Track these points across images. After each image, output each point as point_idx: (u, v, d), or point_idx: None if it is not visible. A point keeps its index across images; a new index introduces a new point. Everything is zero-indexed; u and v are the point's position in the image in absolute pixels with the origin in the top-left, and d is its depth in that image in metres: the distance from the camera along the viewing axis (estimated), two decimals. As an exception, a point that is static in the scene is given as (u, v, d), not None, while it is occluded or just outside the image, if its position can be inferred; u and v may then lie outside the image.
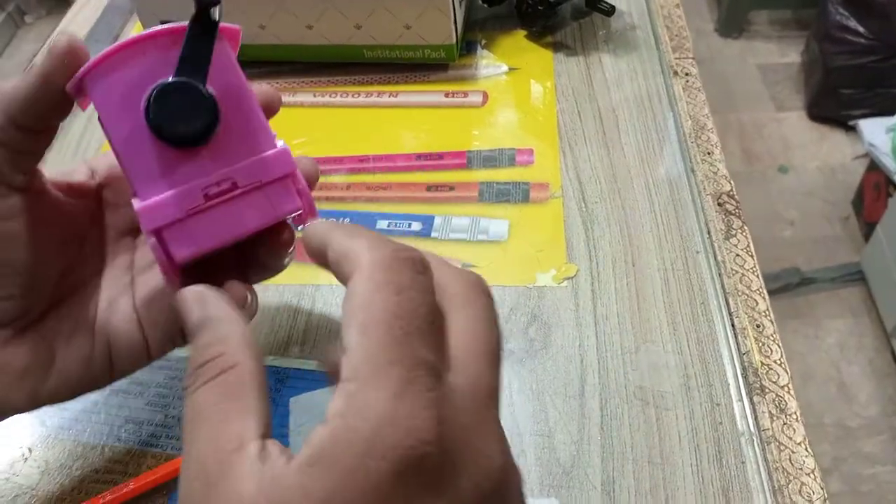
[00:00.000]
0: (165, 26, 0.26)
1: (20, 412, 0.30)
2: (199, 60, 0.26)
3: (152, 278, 0.32)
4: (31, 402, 0.30)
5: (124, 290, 0.32)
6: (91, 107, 0.27)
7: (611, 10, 0.58)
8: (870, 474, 1.34)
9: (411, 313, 0.19)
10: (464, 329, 0.21)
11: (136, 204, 0.27)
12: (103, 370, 0.31)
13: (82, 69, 0.26)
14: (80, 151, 0.55)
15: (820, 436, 1.38)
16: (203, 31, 0.26)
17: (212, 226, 0.27)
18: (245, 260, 0.31)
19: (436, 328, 0.20)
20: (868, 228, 1.58)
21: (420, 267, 0.21)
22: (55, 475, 0.37)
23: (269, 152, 0.28)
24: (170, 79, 0.26)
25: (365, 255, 0.21)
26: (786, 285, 1.59)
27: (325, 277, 0.44)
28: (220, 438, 0.20)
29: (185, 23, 0.26)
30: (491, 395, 0.21)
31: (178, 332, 0.31)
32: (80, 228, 0.32)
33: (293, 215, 0.29)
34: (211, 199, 0.27)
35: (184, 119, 0.26)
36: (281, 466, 0.19)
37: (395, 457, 0.18)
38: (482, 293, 0.22)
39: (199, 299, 0.24)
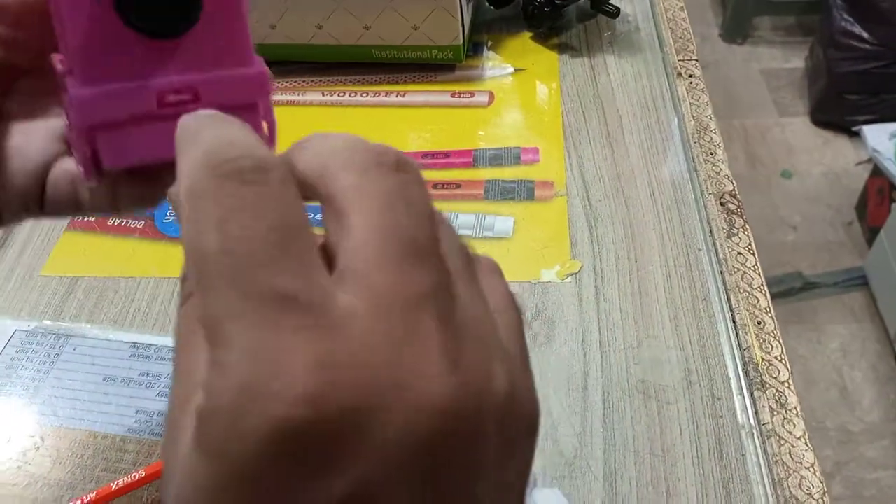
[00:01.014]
0: None
1: None
2: None
3: (20, 132, 0.26)
4: None
5: None
6: None
7: (616, 12, 0.59)
8: (872, 479, 1.34)
9: (245, 242, 0.14)
10: (359, 229, 0.15)
11: (73, 87, 0.22)
12: None
13: None
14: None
15: (822, 440, 1.39)
16: None
17: (154, 138, 0.22)
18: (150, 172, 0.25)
19: (292, 248, 0.14)
20: (871, 233, 1.59)
21: (252, 175, 0.15)
22: (67, 464, 0.37)
23: (246, 70, 0.23)
24: None
25: (183, 183, 0.16)
26: (789, 290, 1.60)
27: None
28: (182, 374, 0.16)
29: None
30: (417, 299, 0.15)
31: (35, 202, 0.26)
32: None
33: None
34: (164, 108, 0.22)
35: (162, 5, 0.21)
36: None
37: (258, 436, 0.13)
38: (379, 175, 0.16)
39: None
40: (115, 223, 0.49)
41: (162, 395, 0.40)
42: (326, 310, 0.14)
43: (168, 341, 0.42)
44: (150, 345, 0.42)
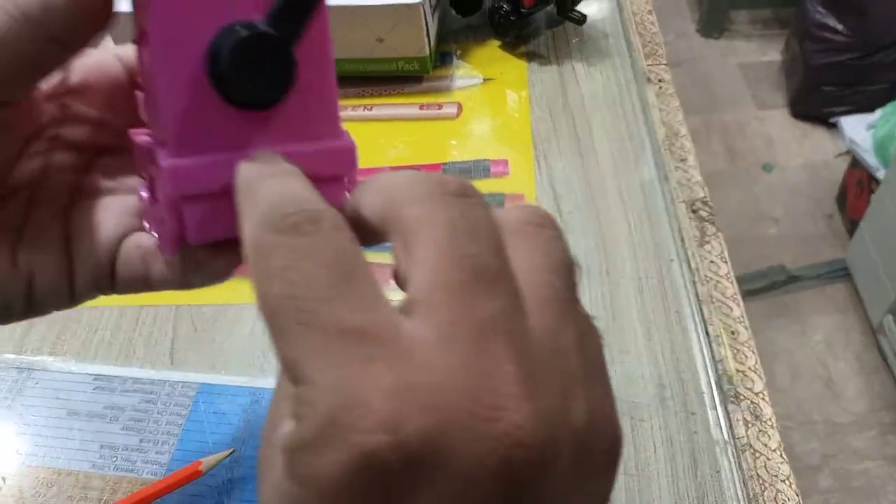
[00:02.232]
0: None
1: None
2: (300, 11, 0.21)
3: (97, 208, 0.27)
4: None
5: (59, 212, 0.27)
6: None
7: (582, 19, 0.59)
8: (860, 470, 1.35)
9: (305, 284, 0.15)
10: (426, 258, 0.16)
11: (164, 158, 0.21)
12: (18, 296, 0.26)
13: None
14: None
15: (809, 433, 1.39)
16: None
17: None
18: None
19: (352, 284, 0.16)
20: (852, 225, 1.59)
21: (306, 226, 0.16)
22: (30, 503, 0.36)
23: (335, 143, 0.23)
24: (259, 26, 0.20)
25: (247, 249, 0.17)
26: (772, 283, 1.60)
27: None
28: (275, 400, 0.17)
29: None
30: (484, 325, 0.15)
31: (107, 278, 0.27)
32: (30, 129, 0.27)
33: None
34: None
35: (258, 78, 0.21)
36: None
37: (344, 464, 0.14)
38: (443, 203, 0.17)
39: None
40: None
41: (126, 429, 0.39)
42: (396, 340, 0.15)
43: (132, 372, 0.41)
44: (115, 376, 0.41)
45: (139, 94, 0.25)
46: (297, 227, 0.16)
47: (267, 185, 0.18)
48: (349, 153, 0.23)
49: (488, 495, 0.14)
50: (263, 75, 0.21)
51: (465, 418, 0.14)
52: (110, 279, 0.27)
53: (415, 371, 0.14)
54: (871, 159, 1.53)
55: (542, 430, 0.14)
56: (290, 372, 0.15)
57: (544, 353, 0.15)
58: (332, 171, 0.23)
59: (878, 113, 1.59)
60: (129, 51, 0.26)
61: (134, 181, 0.28)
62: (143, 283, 0.27)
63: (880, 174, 1.48)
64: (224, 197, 0.21)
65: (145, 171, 0.25)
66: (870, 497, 1.32)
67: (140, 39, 0.23)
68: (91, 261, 0.26)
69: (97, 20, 0.22)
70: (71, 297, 0.27)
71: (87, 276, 0.27)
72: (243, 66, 0.20)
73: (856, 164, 1.60)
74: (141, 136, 0.26)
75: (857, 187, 1.61)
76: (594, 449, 0.16)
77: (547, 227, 0.18)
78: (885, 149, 1.50)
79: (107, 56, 0.27)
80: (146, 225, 0.27)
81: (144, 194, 0.26)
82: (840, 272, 1.60)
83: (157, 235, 0.25)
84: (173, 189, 0.22)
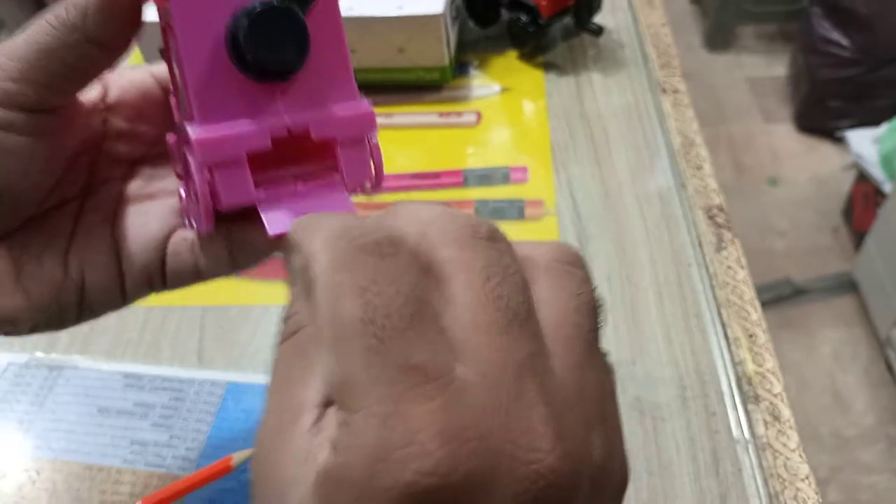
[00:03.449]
0: None
1: None
2: None
3: (140, 213, 0.29)
4: None
5: (105, 219, 0.29)
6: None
7: (599, 31, 0.60)
8: (868, 483, 1.35)
9: (384, 311, 0.15)
10: (463, 300, 0.17)
11: (193, 131, 0.23)
12: (72, 302, 0.28)
13: None
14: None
15: (817, 446, 1.39)
16: None
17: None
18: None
19: (422, 319, 0.16)
20: (858, 238, 1.60)
21: (387, 248, 0.16)
22: (63, 498, 0.37)
23: (352, 105, 0.24)
24: (273, 1, 0.22)
25: (320, 257, 0.17)
26: (779, 296, 1.60)
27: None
28: (282, 404, 0.18)
29: None
30: (519, 368, 0.16)
31: (157, 275, 0.28)
32: (75, 147, 0.28)
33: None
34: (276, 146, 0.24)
35: (274, 49, 0.22)
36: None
37: (389, 497, 0.14)
38: (477, 247, 0.17)
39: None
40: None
41: (156, 426, 0.40)
42: (449, 381, 0.15)
43: (161, 370, 0.42)
44: (143, 375, 0.42)
45: (172, 100, 0.27)
46: (378, 245, 0.16)
47: (329, 216, 0.19)
48: (368, 114, 0.24)
49: None
50: (280, 45, 0.22)
51: (508, 462, 0.15)
52: (161, 275, 0.28)
53: (463, 413, 0.15)
54: (877, 173, 1.54)
55: (569, 469, 0.16)
56: (341, 393, 0.16)
57: (569, 393, 0.16)
58: (353, 133, 0.24)
59: (884, 127, 1.60)
60: (160, 68, 0.29)
61: (173, 184, 0.29)
62: (193, 273, 0.28)
63: (886, 187, 1.49)
64: (251, 164, 0.23)
65: (180, 165, 0.27)
66: (877, 510, 1.32)
67: (165, 34, 0.25)
68: (140, 260, 0.28)
69: (129, 20, 0.24)
70: (122, 297, 0.29)
71: (136, 275, 0.28)
72: (261, 38, 0.22)
73: (862, 177, 1.61)
74: (174, 137, 0.27)
75: (863, 200, 1.61)
76: (608, 483, 0.17)
77: (577, 268, 0.19)
78: (891, 162, 1.51)
79: (140, 73, 0.29)
80: (185, 221, 0.28)
81: (182, 192, 0.28)
82: (847, 285, 1.60)
83: (194, 222, 0.27)
84: (202, 155, 0.23)
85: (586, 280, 0.19)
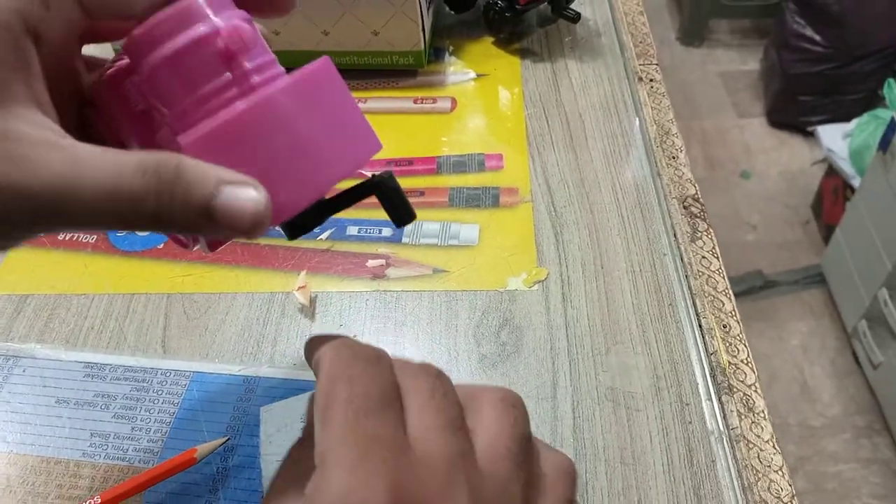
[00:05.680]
0: None
1: None
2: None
3: None
4: None
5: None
6: None
7: (576, 17, 0.59)
8: (834, 472, 1.37)
9: (362, 396, 0.21)
10: (416, 408, 0.22)
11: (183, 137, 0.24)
12: None
13: None
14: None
15: (785, 436, 1.41)
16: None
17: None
18: None
19: (391, 408, 0.21)
20: (827, 231, 1.62)
21: (373, 358, 0.23)
22: (17, 492, 0.36)
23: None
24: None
25: (326, 356, 0.23)
26: (750, 288, 1.62)
27: (295, 285, 0.43)
28: (286, 476, 0.23)
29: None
30: (452, 458, 0.21)
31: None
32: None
33: None
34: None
35: None
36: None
37: None
38: (427, 378, 0.24)
39: None
40: (66, 238, 0.47)
41: (117, 417, 0.38)
42: (402, 452, 0.20)
43: (123, 360, 0.41)
44: (105, 364, 0.41)
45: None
46: (369, 355, 0.23)
47: (342, 336, 0.25)
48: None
49: None
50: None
51: None
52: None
53: (410, 479, 0.20)
54: (847, 167, 1.56)
55: None
56: (321, 455, 0.20)
57: (492, 494, 0.21)
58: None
59: (855, 122, 1.62)
60: None
61: None
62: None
63: (856, 182, 1.51)
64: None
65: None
66: (843, 499, 1.34)
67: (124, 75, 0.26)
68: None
69: None
70: None
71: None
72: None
73: (832, 171, 1.63)
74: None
75: (832, 195, 1.63)
76: None
77: (517, 408, 0.24)
78: (861, 157, 1.53)
79: None
80: None
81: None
82: (816, 278, 1.62)
83: None
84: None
85: (523, 418, 0.24)
